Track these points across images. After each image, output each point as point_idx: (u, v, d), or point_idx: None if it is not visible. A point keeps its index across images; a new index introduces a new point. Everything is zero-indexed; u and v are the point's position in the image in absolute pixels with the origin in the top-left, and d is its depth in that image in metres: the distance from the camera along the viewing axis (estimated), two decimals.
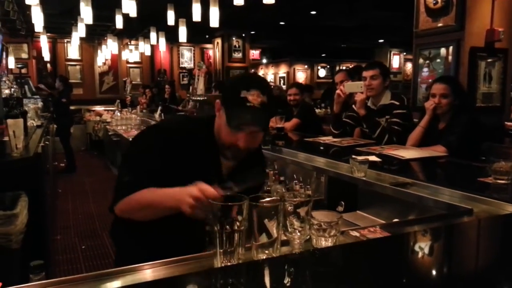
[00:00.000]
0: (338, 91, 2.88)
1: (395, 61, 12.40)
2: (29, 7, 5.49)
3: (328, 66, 13.36)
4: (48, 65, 10.16)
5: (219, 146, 1.34)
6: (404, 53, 12.27)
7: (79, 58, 10.55)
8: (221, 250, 0.90)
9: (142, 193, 1.20)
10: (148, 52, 9.39)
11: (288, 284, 0.81)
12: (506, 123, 4.17)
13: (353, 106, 2.85)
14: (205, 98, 5.29)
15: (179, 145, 1.30)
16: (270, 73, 13.98)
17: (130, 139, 5.40)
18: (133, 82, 10.25)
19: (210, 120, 1.38)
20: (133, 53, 10.47)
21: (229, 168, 1.38)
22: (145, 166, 1.27)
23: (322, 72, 13.34)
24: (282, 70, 13.38)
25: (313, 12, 8.64)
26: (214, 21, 4.99)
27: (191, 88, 6.27)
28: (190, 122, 1.53)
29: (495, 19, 3.80)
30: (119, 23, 6.13)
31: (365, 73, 2.77)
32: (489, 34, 3.78)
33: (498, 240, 1.22)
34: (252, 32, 10.23)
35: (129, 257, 1.21)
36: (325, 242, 1.00)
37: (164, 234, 1.30)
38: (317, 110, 6.99)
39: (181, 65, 11.47)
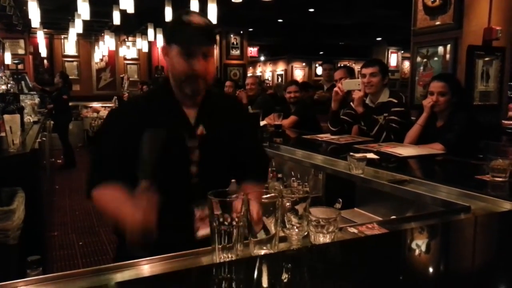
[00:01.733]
0: (336, 89, 2.88)
1: (393, 59, 12.40)
2: (25, 2, 5.45)
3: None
4: (45, 61, 10.11)
5: (177, 92, 1.36)
6: (402, 51, 12.28)
7: (76, 54, 10.50)
8: (220, 246, 0.89)
9: (110, 199, 1.22)
10: (145, 49, 9.37)
11: (286, 280, 0.81)
12: (503, 121, 4.19)
13: (351, 103, 2.85)
14: None
15: (139, 118, 1.31)
16: (268, 71, 13.98)
17: None
18: (130, 79, 10.22)
19: (165, 80, 1.42)
20: (130, 50, 10.43)
21: (194, 114, 1.38)
22: (112, 155, 1.29)
23: (319, 70, 13.33)
24: (280, 68, 13.38)
25: (311, 10, 8.64)
26: (212, 17, 4.97)
27: None
28: (147, 92, 1.56)
29: (492, 18, 3.81)
30: (116, 19, 6.11)
31: (365, 70, 2.77)
32: (486, 32, 3.79)
33: (496, 237, 1.22)
34: (250, 29, 10.21)
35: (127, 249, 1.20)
36: (323, 239, 1.00)
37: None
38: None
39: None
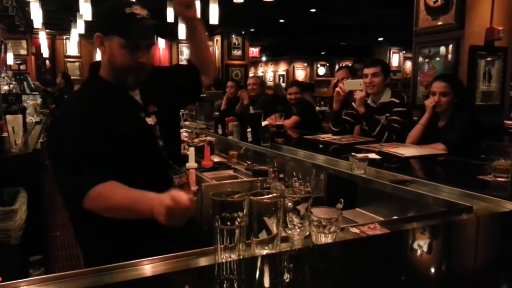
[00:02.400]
0: (337, 89, 2.88)
1: (395, 59, 12.38)
2: (27, 3, 5.47)
3: (327, 64, 13.35)
4: (47, 61, 10.13)
5: (116, 81, 1.36)
6: (404, 52, 12.26)
7: (78, 54, 10.52)
8: (222, 246, 0.89)
9: (117, 192, 1.18)
10: None
11: (288, 280, 0.81)
12: (505, 121, 4.18)
13: (353, 103, 2.85)
14: (204, 95, 5.28)
15: (98, 111, 1.30)
16: (269, 71, 13.97)
17: None
18: None
19: (92, 73, 1.41)
20: None
21: (137, 96, 1.41)
22: (91, 153, 1.23)
23: (321, 70, 13.33)
24: (282, 68, 13.37)
25: (313, 10, 8.63)
26: (214, 18, 4.98)
27: None
28: (81, 90, 1.47)
29: (495, 18, 3.80)
30: None
31: (367, 71, 2.77)
32: (489, 32, 3.78)
33: (498, 237, 1.22)
34: (252, 30, 10.21)
35: (103, 255, 1.18)
36: (324, 239, 1.00)
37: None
38: (317, 108, 6.99)
39: (180, 62, 11.45)
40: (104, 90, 1.37)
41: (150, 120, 1.38)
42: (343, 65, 10.79)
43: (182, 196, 1.04)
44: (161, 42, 8.05)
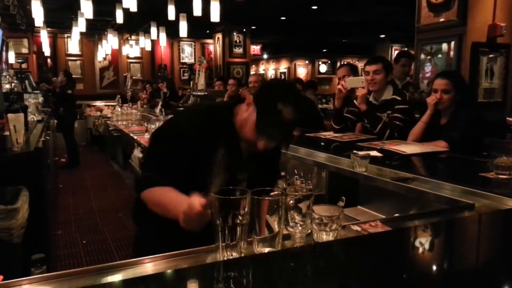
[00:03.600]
0: (339, 86, 2.87)
1: None
2: (29, 1, 5.47)
3: (329, 62, 13.33)
4: (49, 60, 10.14)
5: (238, 133, 1.39)
6: (406, 49, 12.22)
7: (79, 53, 10.53)
8: (223, 244, 0.89)
9: (164, 193, 1.26)
10: (148, 47, 9.37)
11: (289, 278, 0.81)
12: (507, 118, 4.16)
13: (354, 101, 2.84)
14: (206, 93, 5.28)
15: (199, 138, 1.34)
16: (271, 69, 13.96)
17: (131, 134, 5.38)
18: (133, 77, 10.24)
19: (232, 107, 1.43)
20: (133, 48, 10.44)
21: (247, 151, 1.42)
22: (165, 164, 1.33)
23: (323, 68, 13.31)
24: (283, 66, 13.36)
25: (314, 7, 8.61)
26: (215, 15, 4.97)
27: (191, 83, 6.26)
28: (210, 111, 1.53)
29: (497, 14, 3.79)
30: (119, 18, 6.11)
31: (368, 68, 2.76)
32: (491, 29, 3.77)
33: (500, 234, 1.22)
34: (253, 27, 10.20)
35: (148, 238, 1.30)
36: (326, 236, 1.00)
37: None
38: (320, 106, 6.98)
39: (181, 60, 11.45)
40: (223, 127, 1.39)
41: (241, 175, 1.40)
42: (345, 62, 10.78)
43: (195, 202, 1.06)
44: (163, 40, 8.03)
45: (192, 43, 11.43)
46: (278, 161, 1.63)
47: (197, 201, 1.07)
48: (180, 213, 1.10)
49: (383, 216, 1.89)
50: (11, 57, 7.93)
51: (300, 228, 1.00)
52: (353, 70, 3.55)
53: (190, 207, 1.06)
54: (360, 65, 12.08)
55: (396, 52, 4.17)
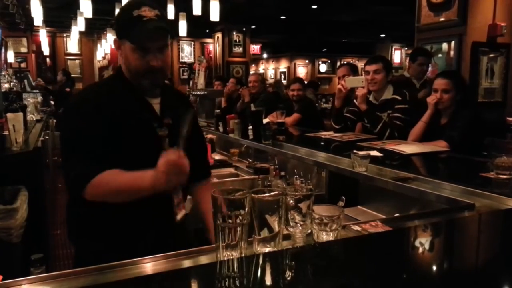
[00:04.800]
0: (339, 86, 2.87)
1: (397, 56, 12.35)
2: (28, 0, 5.46)
3: (329, 61, 13.33)
4: (48, 59, 10.13)
5: (133, 83, 1.35)
6: (406, 48, 12.23)
7: (78, 52, 10.52)
8: (223, 244, 0.89)
9: (114, 177, 1.21)
10: None
11: (289, 278, 0.81)
12: (508, 118, 4.16)
13: (355, 100, 2.84)
14: (206, 92, 5.27)
15: (111, 108, 1.30)
16: (270, 68, 13.95)
17: None
18: None
19: (117, 72, 1.40)
20: None
21: (157, 105, 1.39)
22: (89, 147, 1.25)
23: (323, 67, 13.30)
24: (283, 65, 13.35)
25: (314, 7, 8.61)
26: (215, 15, 4.97)
27: (191, 82, 6.25)
28: (100, 84, 1.53)
29: (497, 14, 3.79)
30: None
31: (368, 67, 2.75)
32: (491, 28, 3.77)
33: (500, 234, 1.21)
34: (253, 27, 10.19)
35: (88, 255, 1.19)
36: (326, 236, 1.00)
37: (127, 217, 1.27)
38: (321, 105, 6.98)
39: (181, 60, 11.43)
40: (123, 88, 1.36)
41: (161, 131, 1.35)
42: (344, 62, 10.77)
43: (171, 156, 1.11)
44: None
45: (192, 42, 11.42)
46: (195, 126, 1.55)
47: (171, 155, 1.10)
48: (156, 178, 1.11)
49: (383, 216, 1.88)
50: (10, 57, 7.93)
51: (300, 228, 1.00)
52: (353, 70, 3.55)
53: (169, 162, 1.08)
54: (360, 64, 12.08)
55: (413, 49, 3.83)
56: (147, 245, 1.16)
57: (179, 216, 1.30)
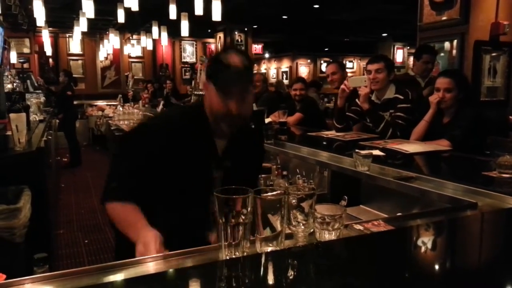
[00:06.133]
0: (342, 86, 2.87)
1: (399, 55, 12.32)
2: (30, 1, 5.47)
3: (331, 61, 13.28)
4: (50, 60, 10.15)
5: (212, 124, 1.39)
6: (408, 47, 12.19)
7: (81, 52, 10.54)
8: (226, 243, 0.89)
9: (126, 213, 1.27)
10: (150, 47, 9.37)
11: (292, 277, 0.81)
12: (510, 117, 4.15)
13: (357, 100, 2.84)
14: None
15: (170, 139, 1.35)
16: (272, 68, 13.94)
17: None
18: (135, 77, 10.24)
19: (199, 103, 1.45)
20: (135, 48, 10.44)
21: (222, 147, 1.43)
22: (134, 172, 1.32)
23: (325, 67, 13.27)
24: (285, 65, 13.33)
25: (316, 6, 8.59)
26: (217, 14, 4.97)
27: (193, 82, 6.25)
28: (178, 113, 1.56)
29: (500, 12, 3.77)
30: (121, 17, 6.11)
31: (370, 67, 2.75)
32: (494, 27, 3.75)
33: (503, 234, 1.21)
34: (255, 26, 10.17)
35: (129, 246, 1.24)
36: (328, 236, 1.00)
37: (166, 219, 1.31)
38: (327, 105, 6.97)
39: (183, 60, 11.44)
40: (195, 124, 1.40)
41: (217, 173, 1.39)
42: (331, 60, 10.70)
43: (151, 247, 1.09)
44: (164, 39, 8.03)
45: (194, 42, 11.43)
46: (258, 160, 1.61)
47: (153, 245, 1.09)
48: (137, 245, 1.12)
49: (386, 215, 1.88)
50: (13, 57, 7.94)
51: (302, 227, 1.00)
52: (342, 67, 3.56)
53: (146, 249, 1.08)
54: (362, 63, 12.04)
55: (417, 47, 3.72)
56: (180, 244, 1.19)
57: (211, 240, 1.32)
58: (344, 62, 12.84)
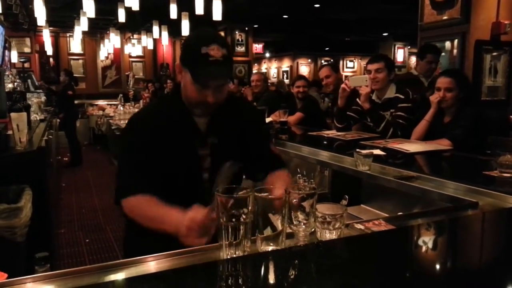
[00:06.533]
0: (343, 85, 2.87)
1: (400, 54, 12.31)
2: (31, 0, 5.48)
3: (331, 60, 13.29)
4: (51, 59, 10.15)
5: (187, 106, 1.38)
6: (409, 47, 12.19)
7: (81, 52, 10.54)
8: (227, 242, 0.89)
9: (149, 206, 1.25)
10: (150, 46, 9.37)
11: (293, 276, 0.81)
12: (511, 116, 4.15)
13: (357, 99, 2.84)
14: None
15: (154, 128, 1.36)
16: (273, 67, 13.94)
17: None
18: (135, 76, 10.24)
19: (176, 88, 1.43)
20: (135, 47, 10.44)
21: (204, 124, 1.41)
22: (140, 165, 1.33)
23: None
24: (286, 64, 13.34)
25: (317, 5, 8.59)
26: (217, 14, 4.97)
27: None
28: (158, 101, 1.59)
29: (501, 12, 3.77)
30: (121, 16, 6.11)
31: (370, 66, 2.75)
32: (494, 27, 3.75)
33: (504, 233, 1.21)
34: (255, 26, 10.17)
35: (138, 238, 1.29)
36: (329, 235, 1.00)
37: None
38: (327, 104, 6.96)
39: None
40: (173, 108, 1.40)
41: (202, 150, 1.38)
42: (324, 62, 10.69)
43: (199, 216, 1.06)
44: (165, 39, 8.03)
45: None
46: (255, 135, 1.50)
47: (199, 213, 1.07)
48: (179, 228, 1.09)
49: (386, 215, 1.88)
50: (14, 57, 7.95)
51: (303, 226, 1.00)
52: (334, 69, 3.57)
53: (193, 220, 1.06)
54: (362, 63, 12.02)
55: (421, 46, 3.67)
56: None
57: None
58: (344, 61, 12.85)
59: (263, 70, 14.05)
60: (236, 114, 1.47)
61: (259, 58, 13.92)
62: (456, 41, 3.83)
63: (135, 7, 5.23)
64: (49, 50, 9.25)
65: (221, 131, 1.40)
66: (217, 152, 1.38)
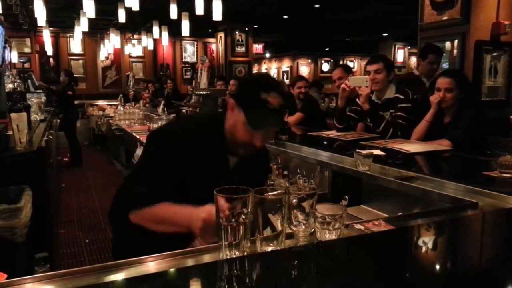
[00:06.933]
0: (343, 85, 2.87)
1: (400, 55, 12.32)
2: (31, 1, 5.48)
3: (331, 60, 13.29)
4: (51, 59, 10.16)
5: (228, 143, 1.38)
6: (409, 47, 12.19)
7: (81, 52, 10.54)
8: (226, 243, 0.89)
9: (157, 209, 1.25)
10: (150, 47, 9.37)
11: (292, 277, 0.81)
12: (511, 117, 4.14)
13: (357, 100, 2.84)
14: (208, 92, 5.28)
15: (189, 150, 1.34)
16: (273, 68, 13.94)
17: (134, 133, 5.39)
18: (135, 77, 10.24)
19: (218, 117, 1.42)
20: (135, 48, 10.44)
21: (233, 163, 1.43)
22: (159, 179, 1.32)
23: (325, 66, 13.27)
24: (286, 65, 13.33)
25: (317, 6, 8.59)
26: (217, 14, 4.97)
27: (194, 82, 6.26)
28: (197, 123, 1.55)
29: (501, 12, 3.77)
30: (121, 17, 6.12)
31: (369, 67, 2.75)
32: (495, 27, 3.75)
33: (504, 233, 1.21)
34: (255, 26, 10.17)
35: (126, 242, 1.28)
36: (329, 235, 1.00)
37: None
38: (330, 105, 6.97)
39: (183, 60, 11.44)
40: (215, 139, 1.39)
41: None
42: (341, 63, 10.69)
43: (213, 216, 1.05)
44: (165, 39, 8.04)
45: (194, 42, 11.42)
46: (263, 178, 1.60)
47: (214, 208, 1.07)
48: (196, 222, 1.09)
49: (386, 215, 1.88)
50: (14, 57, 7.95)
51: (303, 227, 1.00)
52: (347, 71, 3.55)
53: (210, 212, 1.05)
54: (362, 63, 12.01)
55: (423, 46, 3.69)
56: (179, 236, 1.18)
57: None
58: (344, 62, 12.85)
59: (263, 70, 14.05)
60: (259, 161, 1.51)
61: (259, 59, 13.91)
62: (456, 42, 3.83)
63: (135, 7, 5.23)
64: (49, 50, 9.25)
65: (244, 172, 1.41)
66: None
